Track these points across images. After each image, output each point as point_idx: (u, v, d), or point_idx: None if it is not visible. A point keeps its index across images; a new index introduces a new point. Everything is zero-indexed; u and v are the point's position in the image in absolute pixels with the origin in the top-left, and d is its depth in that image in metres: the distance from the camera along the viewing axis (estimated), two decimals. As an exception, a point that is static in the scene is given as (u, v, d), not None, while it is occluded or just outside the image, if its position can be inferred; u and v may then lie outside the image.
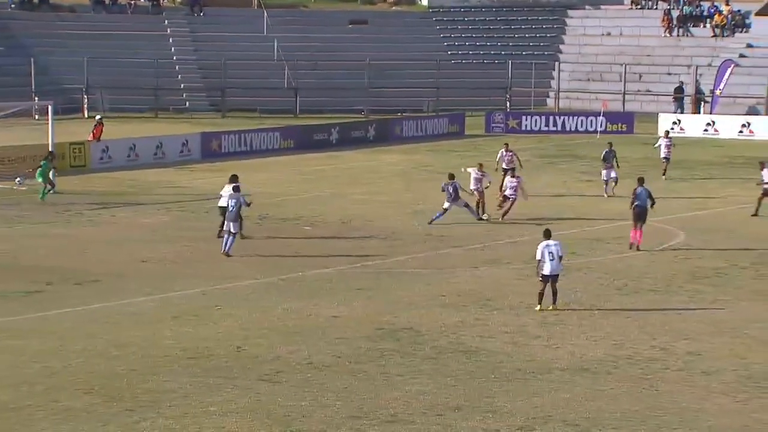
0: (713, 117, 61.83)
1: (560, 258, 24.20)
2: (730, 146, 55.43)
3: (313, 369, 20.58)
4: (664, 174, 43.86)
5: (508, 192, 35.12)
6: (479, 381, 19.88)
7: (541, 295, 24.26)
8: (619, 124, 61.68)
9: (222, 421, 17.88)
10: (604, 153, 40.67)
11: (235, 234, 29.89)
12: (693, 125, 60.71)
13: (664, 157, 44.56)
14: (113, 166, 46.59)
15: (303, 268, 28.63)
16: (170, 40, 72.12)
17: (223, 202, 31.24)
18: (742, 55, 68.96)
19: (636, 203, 30.63)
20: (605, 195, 39.56)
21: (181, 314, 24.27)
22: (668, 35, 73.87)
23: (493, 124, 62.39)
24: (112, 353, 21.38)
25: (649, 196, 30.85)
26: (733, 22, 71.92)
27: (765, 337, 22.42)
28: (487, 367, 20.67)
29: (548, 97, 72.65)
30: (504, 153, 40.51)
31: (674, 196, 39.86)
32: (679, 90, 65.71)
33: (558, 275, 24.29)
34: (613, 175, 40.09)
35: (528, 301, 25.22)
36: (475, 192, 35.42)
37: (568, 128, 61.99)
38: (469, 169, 36.44)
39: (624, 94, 67.35)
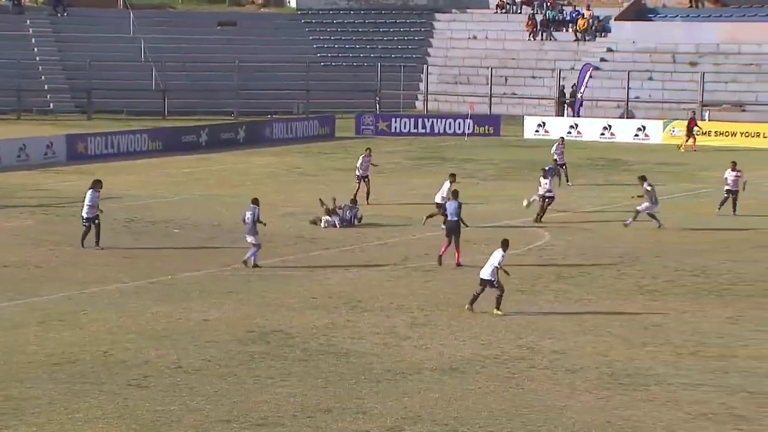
0: (576, 120, 63.10)
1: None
2: (593, 148, 56.63)
3: (182, 373, 20.33)
4: (567, 180, 43.30)
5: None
6: (350, 382, 19.89)
7: (476, 297, 24.68)
8: (486, 127, 62.52)
9: (88, 428, 17.53)
10: (548, 168, 38.27)
11: (257, 245, 28.78)
12: (557, 128, 61.78)
13: (561, 164, 43.33)
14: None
15: (173, 271, 28.28)
16: (33, 41, 70.68)
17: (86, 212, 30.32)
18: (603, 59, 70.56)
19: (447, 217, 29.52)
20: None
21: (46, 319, 23.73)
22: (532, 39, 75.13)
23: (363, 127, 62.64)
24: (-25, 360, 20.79)
25: (459, 210, 29.27)
26: (594, 27, 73.50)
27: (627, 336, 22.92)
28: (357, 368, 20.70)
29: (417, 99, 73.23)
30: (365, 158, 39.61)
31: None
32: (562, 94, 66.78)
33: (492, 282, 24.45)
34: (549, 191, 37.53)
35: (398, 302, 25.34)
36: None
37: (436, 130, 62.58)
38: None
39: (490, 97, 68.26)
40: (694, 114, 58.62)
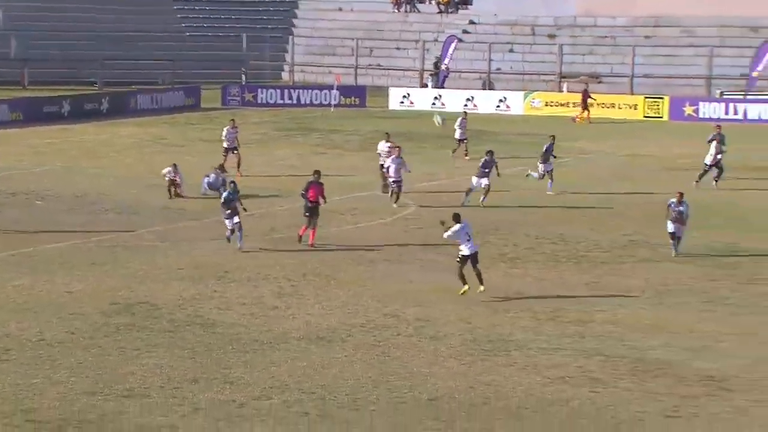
0: (440, 91, 63.55)
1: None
2: (456, 119, 57.02)
3: (45, 345, 19.94)
4: (466, 154, 42.56)
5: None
6: (217, 353, 19.76)
7: (462, 276, 23.18)
8: (353, 98, 62.56)
9: (-51, 404, 17.09)
10: (546, 146, 36.57)
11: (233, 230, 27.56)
12: (422, 99, 62.20)
13: (463, 139, 43.26)
14: None
15: (35, 243, 27.65)
16: None
17: None
18: (465, 31, 71.16)
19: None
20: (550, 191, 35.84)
21: None
22: (397, 11, 75.34)
23: (229, 98, 62.10)
24: None
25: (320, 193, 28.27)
26: (457, 0, 74.08)
27: (489, 303, 23.24)
28: (224, 338, 20.57)
29: (283, 70, 72.87)
30: (230, 130, 39.04)
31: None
32: (436, 66, 66.91)
33: (477, 253, 23.48)
34: (549, 168, 36.62)
35: (265, 273, 25.25)
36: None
37: (303, 101, 62.39)
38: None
39: (356, 68, 68.26)
40: (587, 86, 59.18)
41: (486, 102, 61.27)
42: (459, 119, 44.44)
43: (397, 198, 33.38)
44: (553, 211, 33.26)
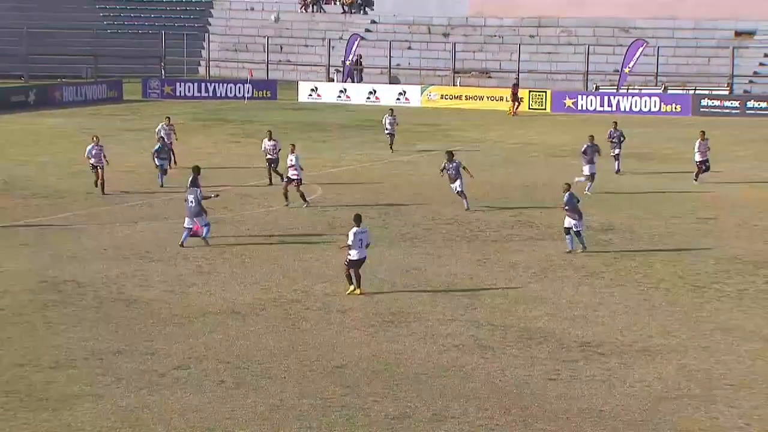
0: (345, 85, 63.44)
1: (367, 246, 21.92)
2: (360, 111, 57.12)
3: (-23, 323, 19.49)
4: (391, 148, 41.50)
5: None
6: (139, 327, 19.53)
7: (349, 276, 21.85)
8: (264, 91, 62.18)
9: None
10: (585, 147, 33.73)
11: (189, 229, 25.51)
12: (328, 92, 62.06)
13: (389, 133, 41.71)
14: None
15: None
16: None
17: None
18: (367, 30, 71.13)
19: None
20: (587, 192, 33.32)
21: None
22: (304, 11, 74.98)
23: (150, 90, 61.32)
24: None
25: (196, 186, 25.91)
26: (359, 1, 73.97)
27: (390, 278, 23.30)
28: (146, 314, 20.34)
29: (200, 65, 72.10)
30: (164, 126, 36.78)
31: (313, 156, 40.66)
32: (359, 63, 66.45)
33: (364, 260, 21.87)
34: (617, 151, 36.28)
35: (184, 253, 25.00)
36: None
37: (218, 94, 61.86)
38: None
39: (267, 63, 67.82)
40: (517, 81, 59.24)
41: (387, 95, 61.34)
42: (385, 116, 42.48)
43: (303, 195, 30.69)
44: (447, 195, 33.48)
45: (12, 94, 55.33)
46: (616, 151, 37.03)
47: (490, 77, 66.27)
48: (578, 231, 25.78)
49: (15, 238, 26.12)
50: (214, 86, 62.78)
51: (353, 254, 21.78)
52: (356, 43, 66.51)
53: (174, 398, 16.18)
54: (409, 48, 69.25)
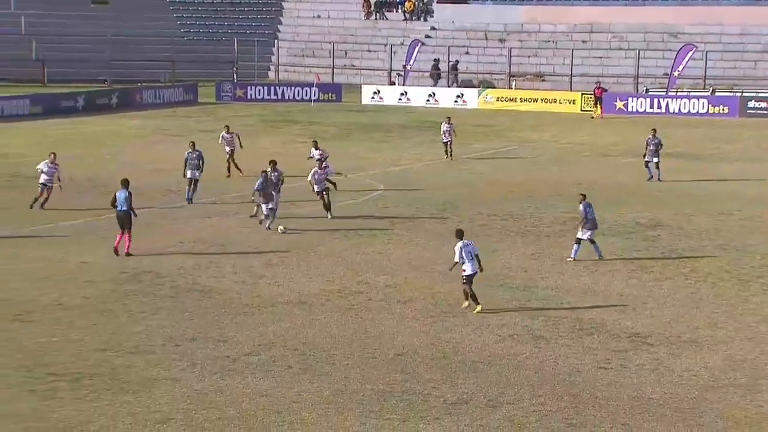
0: (406, 88, 63.39)
1: (477, 256, 20.26)
2: (420, 113, 57.05)
3: (63, 309, 19.82)
4: (448, 155, 39.10)
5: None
6: (212, 315, 19.71)
7: (471, 294, 20.14)
8: (330, 94, 62.31)
9: (-22, 360, 16.97)
10: (649, 140, 34.42)
11: (273, 209, 26.48)
12: (390, 95, 62.06)
13: (446, 141, 39.18)
14: None
15: (54, 220, 27.44)
16: None
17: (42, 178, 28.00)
18: (427, 36, 71.00)
19: (117, 208, 24.24)
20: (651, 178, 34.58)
21: (-62, 265, 22.80)
22: (367, 18, 75.10)
23: (223, 93, 61.80)
24: None
25: (129, 201, 24.25)
26: (419, 9, 73.95)
27: (448, 272, 23.21)
28: (219, 303, 20.51)
29: (269, 70, 72.51)
30: (225, 135, 35.23)
31: (375, 155, 40.76)
32: (435, 67, 66.29)
33: (475, 274, 20.17)
34: (655, 159, 34.80)
35: (254, 246, 25.17)
36: None
37: (286, 97, 62.13)
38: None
39: (333, 68, 68.00)
40: (599, 83, 58.04)
41: (446, 97, 61.18)
42: (443, 123, 39.62)
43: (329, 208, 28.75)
44: (502, 192, 33.32)
45: (96, 97, 56.12)
46: (654, 159, 34.78)
47: (544, 80, 65.80)
48: (591, 239, 24.17)
49: (99, 232, 26.49)
50: (283, 89, 63.08)
51: (467, 269, 20.03)
52: (417, 48, 66.41)
53: (245, 383, 16.30)
54: (467, 53, 69.01)
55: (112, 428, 14.50)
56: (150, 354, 17.50)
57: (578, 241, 24.30)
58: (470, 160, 40.08)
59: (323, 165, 29.19)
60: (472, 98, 60.73)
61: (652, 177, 34.95)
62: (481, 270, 20.28)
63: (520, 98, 60.07)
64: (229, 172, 34.63)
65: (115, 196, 24.22)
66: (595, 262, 24.17)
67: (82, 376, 16.37)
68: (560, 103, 59.09)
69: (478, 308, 20.02)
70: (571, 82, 62.55)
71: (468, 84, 64.83)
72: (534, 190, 33.78)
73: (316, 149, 32.86)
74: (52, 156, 29.08)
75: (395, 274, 22.87)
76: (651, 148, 35.03)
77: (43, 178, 28.65)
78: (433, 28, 72.19)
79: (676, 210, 30.35)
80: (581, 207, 24.26)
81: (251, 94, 62.06)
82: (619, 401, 15.83)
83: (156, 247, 24.95)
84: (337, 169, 29.24)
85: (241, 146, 35.37)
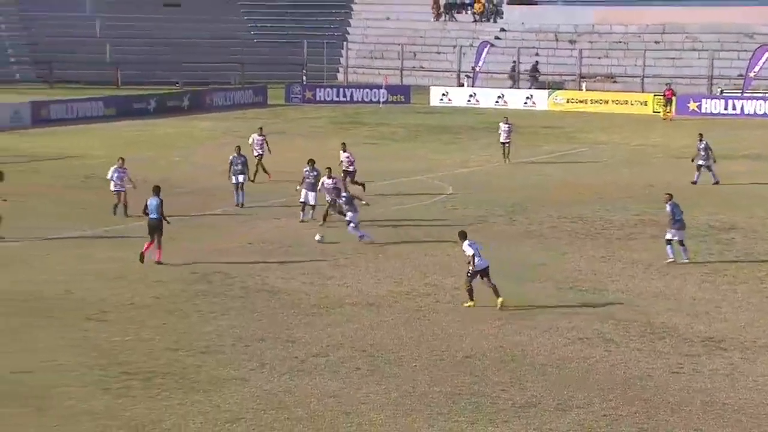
0: (475, 89, 63.19)
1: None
2: (489, 114, 56.81)
3: (135, 309, 20.12)
4: (506, 157, 38.56)
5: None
6: (281, 316, 19.84)
7: (470, 291, 20.50)
8: (398, 96, 62.36)
9: (53, 355, 17.31)
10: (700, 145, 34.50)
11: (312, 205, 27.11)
12: (459, 97, 61.92)
13: (504, 142, 38.59)
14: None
15: (126, 221, 27.86)
16: (0, 18, 68.98)
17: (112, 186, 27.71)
18: (497, 38, 70.68)
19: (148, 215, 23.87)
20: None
21: (12, 263, 23.30)
22: (436, 20, 75.02)
23: (292, 95, 62.18)
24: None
25: (161, 208, 23.86)
26: (489, 10, 73.66)
27: (516, 273, 23.07)
28: (288, 304, 20.65)
29: (338, 72, 72.75)
30: (257, 138, 34.60)
31: (443, 157, 40.67)
32: (513, 69, 65.89)
33: (488, 268, 20.50)
34: (706, 163, 34.47)
35: (322, 247, 25.29)
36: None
37: (355, 99, 62.31)
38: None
39: (401, 70, 68.05)
40: (669, 85, 57.35)
41: (515, 99, 60.87)
42: (502, 123, 39.16)
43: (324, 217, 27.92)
44: (571, 194, 33.05)
45: (168, 99, 56.87)
46: (704, 162, 34.30)
47: (615, 82, 65.07)
48: (681, 241, 23.97)
49: (171, 232, 26.77)
50: (352, 91, 63.29)
51: (478, 264, 20.38)
52: (485, 49, 66.17)
53: (313, 383, 16.38)
54: (537, 54, 68.55)
55: (183, 427, 14.68)
56: (220, 354, 17.67)
57: (668, 242, 24.06)
58: (539, 162, 39.83)
59: (333, 177, 27.71)
60: (542, 100, 60.32)
61: (696, 182, 34.31)
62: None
63: (590, 100, 59.49)
64: (254, 177, 33.05)
65: (146, 203, 23.91)
66: (668, 265, 23.84)
67: (154, 374, 16.60)
68: (631, 104, 58.40)
69: (470, 303, 20.35)
70: (642, 83, 61.80)
71: (539, 85, 64.31)
72: (604, 192, 33.44)
73: (343, 152, 31.91)
74: (120, 161, 29.03)
75: (462, 276, 22.75)
76: (701, 153, 34.61)
77: (113, 185, 28.51)
78: (502, 30, 71.85)
79: (750, 213, 29.81)
80: (668, 207, 24.09)
81: (320, 96, 62.37)
82: (692, 406, 15.59)
83: (225, 247, 25.21)
84: (365, 199, 28.33)
85: (269, 151, 34.40)
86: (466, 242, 20.76)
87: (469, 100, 61.23)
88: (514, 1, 73.01)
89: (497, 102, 60.88)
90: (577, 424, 14.92)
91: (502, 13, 73.40)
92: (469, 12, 74.69)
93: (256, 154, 33.98)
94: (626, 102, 58.72)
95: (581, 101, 59.42)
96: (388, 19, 76.48)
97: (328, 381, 16.47)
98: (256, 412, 15.20)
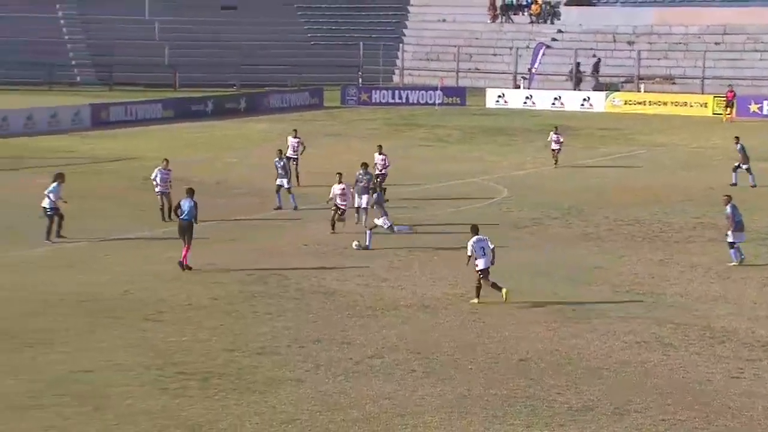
0: (531, 91, 62.88)
1: (492, 251, 20.71)
2: (545, 116, 56.49)
3: (192, 309, 20.31)
4: (556, 162, 38.16)
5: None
6: (337, 317, 19.91)
7: (478, 288, 20.78)
8: (454, 98, 62.28)
9: (111, 354, 17.54)
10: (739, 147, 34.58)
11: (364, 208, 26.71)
12: (515, 98, 61.67)
13: (554, 149, 38.19)
14: (10, 132, 45.12)
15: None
16: (61, 22, 70.25)
17: (46, 203, 25.71)
18: (554, 39, 70.27)
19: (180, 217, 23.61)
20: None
21: (73, 263, 23.65)
22: (493, 22, 74.77)
23: (348, 97, 62.37)
24: (13, 296, 20.71)
25: (194, 210, 23.50)
26: (546, 12, 73.22)
27: (572, 276, 22.97)
28: (343, 305, 20.71)
29: (394, 74, 72.84)
30: (292, 140, 34.73)
31: (499, 159, 40.52)
32: (578, 71, 65.20)
33: (488, 268, 20.64)
34: (745, 166, 34.46)
35: (377, 249, 25.29)
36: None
37: (411, 101, 62.34)
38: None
39: (457, 71, 67.95)
40: (731, 87, 56.40)
41: (572, 101, 60.46)
42: (551, 133, 38.74)
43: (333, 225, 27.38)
44: (629, 196, 32.75)
45: (226, 101, 57.40)
46: (744, 165, 34.12)
47: (674, 83, 64.34)
48: (733, 242, 23.64)
49: (226, 233, 27.08)
50: (407, 93, 63.32)
51: (480, 264, 20.46)
52: (541, 51, 65.83)
53: (368, 385, 16.41)
54: (594, 56, 68.01)
55: (240, 427, 14.79)
56: (276, 355, 17.78)
57: (731, 245, 23.77)
58: (596, 164, 39.51)
59: (342, 184, 27.11)
60: (599, 101, 59.84)
61: (735, 183, 34.03)
62: (493, 263, 20.63)
63: (649, 101, 58.89)
64: (297, 180, 32.74)
65: (178, 204, 23.66)
66: (728, 269, 23.53)
67: (211, 375, 16.74)
68: (691, 106, 57.74)
69: (475, 301, 20.55)
70: (702, 84, 61.03)
71: (598, 87, 63.75)
72: (662, 194, 33.10)
73: (379, 154, 31.58)
74: (164, 162, 28.68)
75: (519, 279, 22.69)
76: (740, 155, 34.47)
77: (158, 188, 28.12)
78: (559, 31, 71.39)
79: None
80: (728, 209, 23.85)
81: (376, 98, 62.49)
82: (753, 411, 15.36)
83: (281, 248, 25.36)
84: (415, 228, 27.49)
85: (301, 153, 34.28)
86: (473, 239, 20.68)
87: (525, 102, 60.95)
88: (572, 2, 72.49)
89: (554, 104, 60.54)
90: (635, 429, 14.77)
91: (560, 15, 72.92)
92: (525, 13, 74.33)
93: (290, 155, 33.49)
94: (686, 104, 58.07)
95: (639, 103, 58.85)
96: (444, 20, 76.37)
97: (383, 383, 16.49)
98: (311, 414, 15.27)
